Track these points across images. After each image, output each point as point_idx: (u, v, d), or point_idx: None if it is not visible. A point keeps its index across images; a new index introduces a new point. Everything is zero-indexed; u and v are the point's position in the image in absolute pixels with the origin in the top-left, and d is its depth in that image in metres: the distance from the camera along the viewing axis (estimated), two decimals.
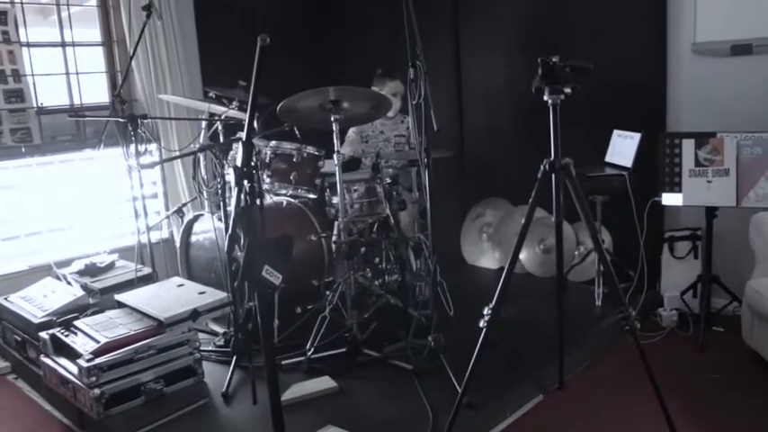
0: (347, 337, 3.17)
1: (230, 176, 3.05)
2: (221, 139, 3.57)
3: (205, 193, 3.61)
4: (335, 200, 3.27)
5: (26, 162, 4.02)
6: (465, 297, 3.63)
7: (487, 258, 4.71)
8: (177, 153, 4.25)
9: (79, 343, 2.88)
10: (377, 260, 3.52)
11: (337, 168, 3.14)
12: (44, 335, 3.03)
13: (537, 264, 4.34)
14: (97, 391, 2.68)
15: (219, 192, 3.23)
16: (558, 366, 3.01)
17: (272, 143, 3.45)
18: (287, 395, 2.81)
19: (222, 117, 3.62)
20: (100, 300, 3.52)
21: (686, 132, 3.47)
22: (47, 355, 3.00)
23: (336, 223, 3.42)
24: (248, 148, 1.89)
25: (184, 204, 4.03)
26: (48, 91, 4.09)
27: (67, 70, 4.27)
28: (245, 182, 1.85)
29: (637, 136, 3.61)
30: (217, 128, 3.66)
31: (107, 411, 2.70)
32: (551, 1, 4.33)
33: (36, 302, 3.40)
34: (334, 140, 3.16)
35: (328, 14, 5.19)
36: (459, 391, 2.55)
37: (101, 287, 3.62)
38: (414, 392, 2.83)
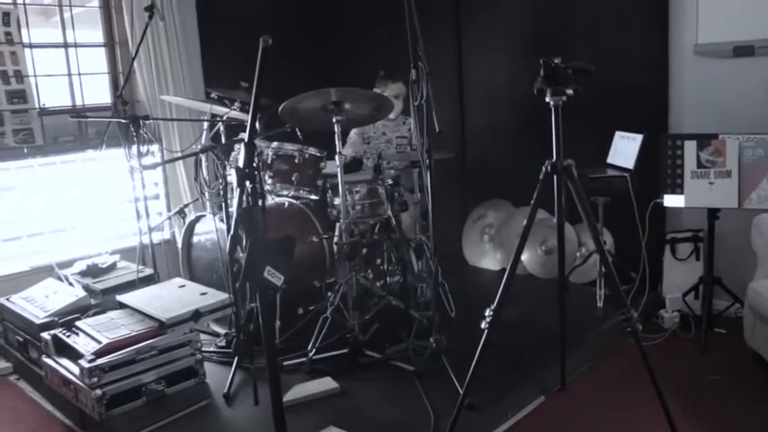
0: (349, 339, 3.17)
1: (232, 177, 3.04)
2: (223, 140, 3.57)
3: (207, 194, 3.61)
4: (337, 201, 3.27)
5: (28, 163, 4.02)
6: (466, 298, 3.63)
7: (489, 260, 4.71)
8: (179, 154, 4.26)
9: (81, 344, 2.88)
10: (378, 261, 3.52)
11: (339, 169, 3.15)
12: (46, 335, 3.03)
13: (539, 265, 4.34)
14: (99, 391, 2.68)
15: (221, 193, 3.23)
16: (560, 368, 3.00)
17: (274, 144, 3.45)
18: (288, 396, 2.81)
19: (224, 118, 3.62)
20: (101, 300, 3.53)
21: (688, 134, 3.46)
22: (48, 356, 3.00)
23: (338, 224, 3.42)
24: (250, 149, 1.89)
25: (186, 205, 4.03)
26: (50, 92, 4.10)
27: (70, 71, 4.28)
28: (247, 183, 1.85)
29: (639, 137, 3.61)
30: (218, 129, 3.66)
31: (108, 412, 2.70)
32: (553, 2, 4.33)
33: (38, 303, 3.40)
34: (336, 142, 3.16)
35: (330, 16, 5.19)
36: (461, 392, 2.55)
37: (102, 288, 3.62)
38: (415, 394, 2.83)
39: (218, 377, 3.08)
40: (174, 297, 3.22)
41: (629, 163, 3.62)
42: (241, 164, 1.86)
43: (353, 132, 4.21)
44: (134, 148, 3.70)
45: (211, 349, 3.36)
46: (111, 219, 4.39)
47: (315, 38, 5.13)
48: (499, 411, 2.78)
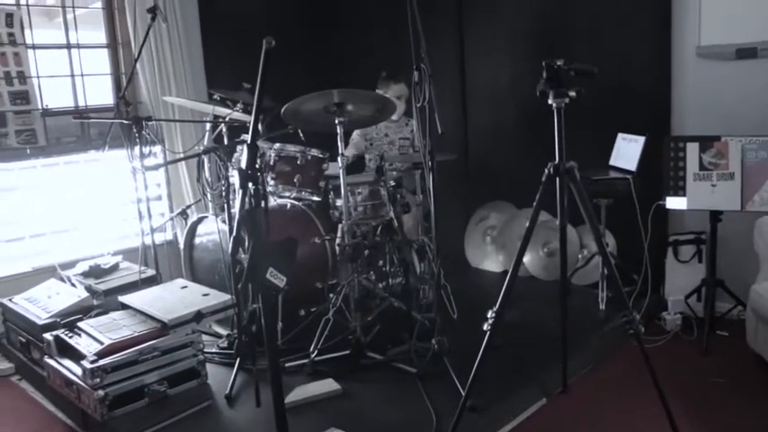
0: (351, 340, 3.17)
1: (234, 179, 3.05)
2: (225, 142, 3.57)
3: (209, 196, 3.60)
4: (339, 202, 3.27)
5: (31, 163, 4.03)
6: (469, 300, 3.63)
7: (491, 261, 4.71)
8: (182, 155, 4.26)
9: (83, 344, 2.88)
10: (380, 263, 3.52)
11: (341, 171, 3.15)
12: (48, 336, 3.04)
13: (541, 267, 4.34)
14: (101, 392, 2.68)
15: (224, 194, 3.23)
16: (562, 370, 3.00)
17: (277, 145, 3.45)
18: (290, 397, 2.81)
19: (226, 119, 3.63)
20: (104, 301, 3.53)
21: (691, 136, 3.46)
22: (51, 357, 3.00)
23: (340, 226, 3.41)
24: (253, 150, 1.89)
25: (188, 206, 4.04)
26: (53, 93, 4.10)
27: (72, 72, 4.28)
28: (250, 184, 1.85)
29: (641, 139, 3.60)
30: (221, 130, 3.66)
31: (111, 413, 2.71)
32: (556, 4, 4.33)
33: (40, 304, 3.40)
34: (339, 143, 3.16)
35: (332, 17, 5.19)
36: (463, 394, 2.55)
37: (105, 289, 3.62)
38: (417, 395, 2.83)
39: (219, 378, 3.08)
40: (176, 298, 3.22)
41: (632, 165, 3.61)
42: (243, 165, 1.86)
43: (356, 133, 4.22)
44: (136, 149, 3.70)
45: (213, 350, 3.36)
46: (113, 220, 4.40)
47: (317, 39, 5.13)
48: (501, 413, 2.78)
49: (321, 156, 3.46)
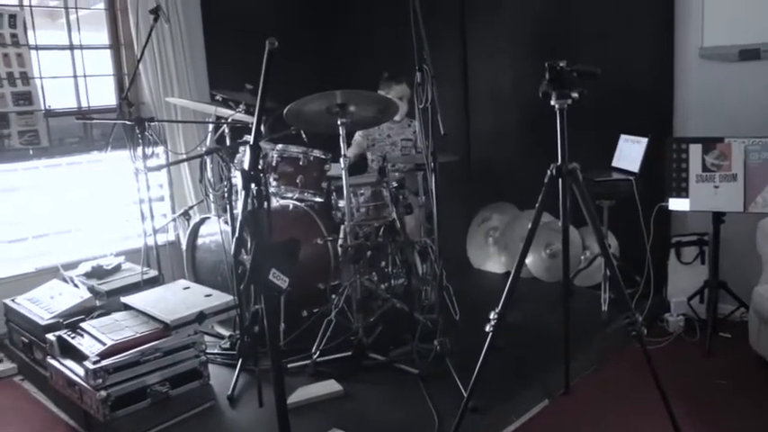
0: (353, 341, 3.17)
1: (237, 179, 3.05)
2: (228, 143, 3.58)
3: (212, 196, 3.61)
4: (342, 203, 3.27)
5: (34, 164, 4.04)
6: (471, 301, 3.63)
7: (493, 263, 4.71)
8: (184, 156, 4.27)
9: (85, 345, 2.89)
10: (383, 264, 3.52)
11: (344, 172, 3.15)
12: (51, 337, 3.04)
13: (543, 268, 4.33)
14: (103, 393, 2.69)
15: (226, 195, 3.23)
16: (564, 371, 3.00)
17: (279, 146, 3.45)
18: (292, 398, 2.81)
19: (229, 120, 3.63)
20: (106, 302, 3.54)
21: (693, 137, 3.46)
22: (53, 357, 3.01)
23: (342, 227, 3.41)
24: (255, 151, 1.89)
25: (191, 207, 4.04)
26: (55, 93, 4.12)
27: (75, 73, 4.29)
28: (252, 185, 1.85)
29: (644, 141, 3.60)
30: (223, 131, 3.67)
31: (113, 413, 2.71)
32: (558, 5, 4.32)
33: (43, 304, 3.41)
34: (341, 144, 3.17)
35: (335, 18, 5.20)
36: (465, 395, 2.54)
37: (107, 289, 3.63)
38: (419, 396, 2.83)
39: (222, 379, 3.08)
40: (178, 299, 3.22)
41: (635, 166, 3.61)
42: (246, 166, 1.87)
43: (358, 134, 4.22)
44: (139, 149, 3.71)
45: (216, 351, 3.36)
46: (116, 220, 4.41)
47: (319, 39, 5.14)
48: (503, 414, 2.78)
49: (323, 157, 3.46)
